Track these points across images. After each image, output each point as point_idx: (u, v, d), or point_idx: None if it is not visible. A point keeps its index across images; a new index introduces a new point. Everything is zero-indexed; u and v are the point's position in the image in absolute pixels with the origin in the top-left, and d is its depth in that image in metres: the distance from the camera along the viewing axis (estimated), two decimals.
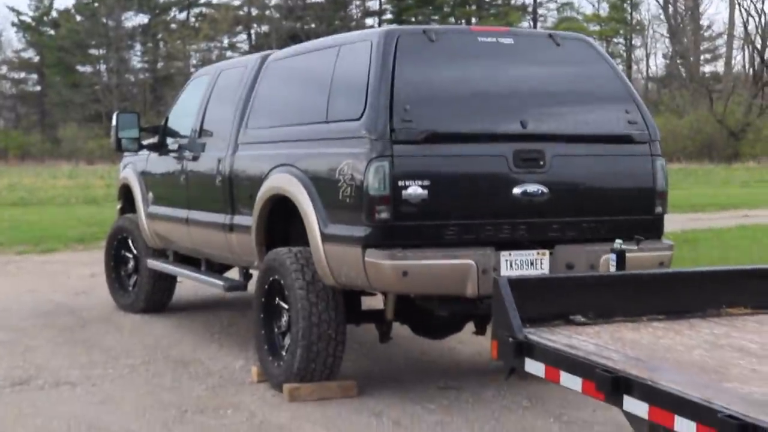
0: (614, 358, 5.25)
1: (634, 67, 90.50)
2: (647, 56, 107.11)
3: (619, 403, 4.99)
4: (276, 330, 9.00)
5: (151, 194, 12.25)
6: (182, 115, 11.79)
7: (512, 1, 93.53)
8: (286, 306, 8.76)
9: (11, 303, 13.58)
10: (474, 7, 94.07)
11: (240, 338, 10.99)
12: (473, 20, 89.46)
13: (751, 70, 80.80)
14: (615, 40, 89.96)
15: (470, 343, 10.48)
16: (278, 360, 8.82)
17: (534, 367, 5.68)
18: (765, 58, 77.25)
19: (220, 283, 10.64)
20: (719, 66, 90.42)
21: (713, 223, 24.60)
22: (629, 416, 5.66)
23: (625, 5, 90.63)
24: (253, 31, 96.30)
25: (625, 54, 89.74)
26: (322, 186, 8.40)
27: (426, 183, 7.90)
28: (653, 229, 8.72)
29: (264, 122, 9.78)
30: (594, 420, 7.86)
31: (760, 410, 4.30)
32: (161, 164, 11.95)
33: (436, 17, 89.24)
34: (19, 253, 19.61)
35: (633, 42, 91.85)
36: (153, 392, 8.84)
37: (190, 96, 11.89)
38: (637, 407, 4.86)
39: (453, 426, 7.79)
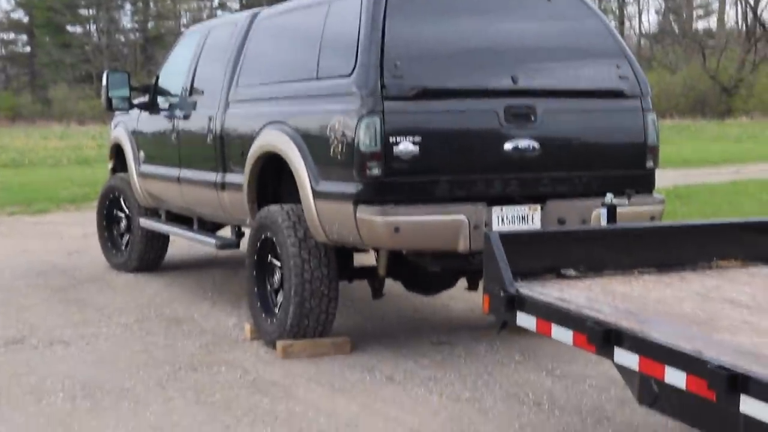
0: (605, 311, 5.29)
1: (627, 23, 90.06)
2: (639, 12, 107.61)
3: (610, 356, 5.03)
4: (269, 287, 9.02)
5: (142, 153, 12.23)
6: (173, 74, 11.76)
7: None
8: (278, 263, 8.77)
9: (4, 263, 13.60)
10: None
11: (233, 296, 11.01)
12: None
13: (743, 25, 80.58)
14: None
15: (462, 299, 10.53)
16: (271, 317, 8.85)
17: (525, 320, 5.71)
18: (758, 13, 77.07)
19: (213, 241, 10.64)
20: (712, 22, 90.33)
21: (706, 179, 24.67)
22: (620, 368, 5.72)
23: None
24: None
25: (617, 10, 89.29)
26: (313, 143, 8.40)
27: (417, 139, 7.89)
28: (644, 184, 8.74)
29: (254, 80, 9.76)
30: (586, 374, 7.89)
31: (750, 360, 4.33)
32: (152, 123, 11.93)
33: None
34: (11, 214, 19.63)
35: None
36: (146, 350, 8.86)
37: (181, 54, 11.86)
38: (628, 359, 4.89)
39: (446, 381, 7.83)
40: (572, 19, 8.85)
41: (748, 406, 4.15)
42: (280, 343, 8.58)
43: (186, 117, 10.93)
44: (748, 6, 78.49)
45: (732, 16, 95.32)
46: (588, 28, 8.85)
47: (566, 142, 8.51)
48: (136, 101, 12.07)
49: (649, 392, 5.69)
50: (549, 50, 8.66)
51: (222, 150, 9.99)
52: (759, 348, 4.61)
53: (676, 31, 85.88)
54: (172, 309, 10.59)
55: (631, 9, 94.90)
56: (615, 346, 4.94)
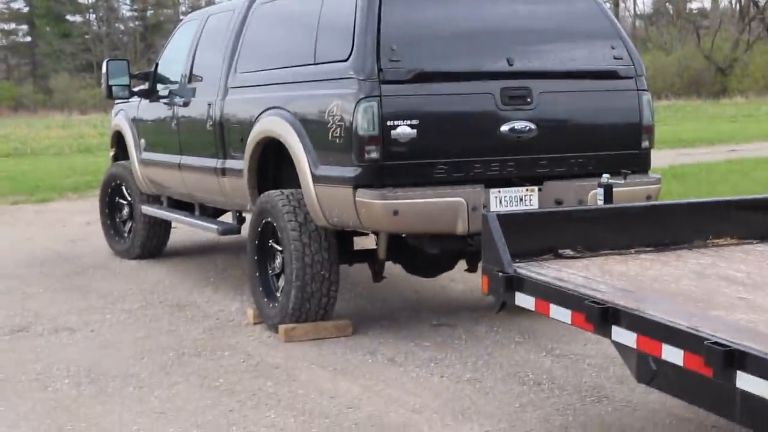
0: (602, 290, 5.32)
1: (622, 4, 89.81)
2: None
3: (608, 334, 5.05)
4: (270, 272, 9.03)
5: (143, 141, 12.23)
6: (172, 61, 11.75)
7: None
8: (279, 248, 8.78)
9: (8, 252, 13.62)
10: None
11: (235, 281, 11.02)
12: None
13: (737, 5, 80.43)
14: None
15: (462, 280, 10.54)
16: (273, 301, 8.87)
17: (524, 300, 5.74)
18: None
19: (214, 227, 10.65)
20: (706, 2, 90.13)
21: (702, 158, 24.66)
22: (618, 346, 5.73)
23: None
24: None
25: None
26: (312, 128, 8.40)
27: (414, 122, 7.90)
28: (640, 164, 8.75)
29: (253, 66, 9.75)
30: (585, 353, 7.91)
31: (746, 336, 4.35)
32: (152, 110, 11.92)
33: None
34: (15, 203, 19.64)
35: None
36: (150, 336, 8.88)
37: (180, 41, 11.84)
38: (626, 337, 4.92)
39: (446, 362, 7.85)
40: (567, 1, 8.85)
41: (745, 381, 4.18)
42: (282, 327, 8.59)
43: (185, 104, 10.93)
44: None
45: None
46: (582, 10, 8.84)
47: (562, 123, 8.51)
48: (136, 89, 12.06)
49: (647, 370, 5.71)
50: (543, 32, 8.67)
51: (222, 136, 9.99)
52: (755, 324, 4.63)
53: (671, 11, 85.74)
54: (175, 295, 10.61)
55: None
56: (612, 325, 4.97)
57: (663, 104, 56.91)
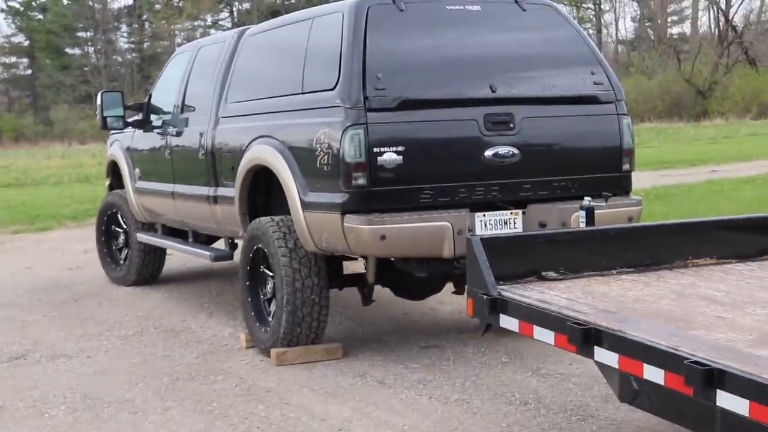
0: (585, 311, 5.29)
1: (604, 31, 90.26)
2: (616, 20, 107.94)
3: (590, 354, 5.02)
4: (262, 297, 9.00)
5: (137, 170, 12.21)
6: (165, 92, 11.74)
7: None
8: (270, 273, 8.75)
9: (8, 280, 13.57)
10: None
11: (228, 306, 10.98)
12: None
13: (716, 30, 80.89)
14: (585, 5, 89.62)
15: (450, 302, 10.53)
16: (265, 326, 8.83)
17: (508, 322, 5.71)
18: (729, 18, 77.34)
19: (207, 253, 10.63)
20: (686, 27, 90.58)
21: (683, 179, 24.72)
22: (601, 366, 5.70)
23: None
24: (235, 9, 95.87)
25: (594, 18, 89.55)
26: (301, 155, 8.38)
27: (400, 149, 7.89)
28: (621, 186, 8.74)
29: (243, 96, 9.74)
30: (570, 373, 7.89)
31: (725, 355, 4.32)
32: (146, 140, 11.90)
33: None
34: (15, 233, 19.61)
35: (602, 6, 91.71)
36: (146, 362, 8.83)
37: (172, 73, 11.84)
38: (608, 357, 4.89)
39: (435, 383, 7.82)
40: (547, 29, 8.86)
41: (724, 400, 4.15)
42: (274, 351, 8.56)
43: (178, 134, 10.91)
44: (719, 11, 78.80)
45: (705, 21, 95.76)
46: (562, 37, 8.86)
47: (544, 147, 8.51)
48: (130, 120, 12.05)
49: (630, 389, 5.69)
50: (525, 59, 8.67)
51: (213, 165, 9.97)
52: (733, 343, 4.61)
53: (652, 37, 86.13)
54: (170, 321, 10.56)
55: (608, 17, 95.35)
56: (595, 346, 4.94)
57: (645, 127, 57.26)
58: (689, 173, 27.24)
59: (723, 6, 78.15)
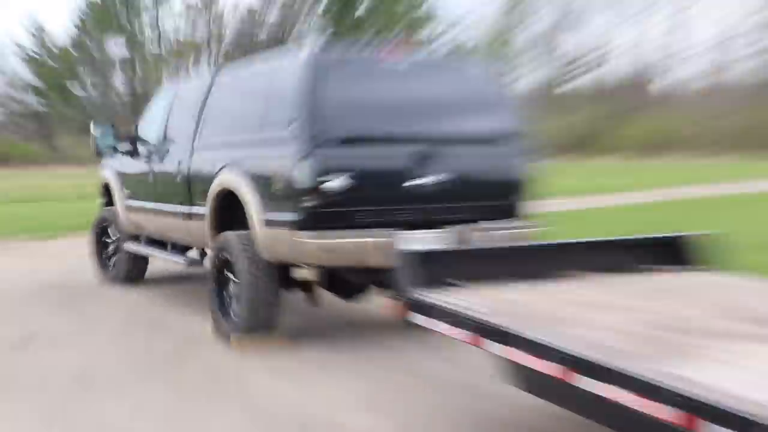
0: (483, 312, 5.37)
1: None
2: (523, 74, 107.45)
3: (486, 347, 5.14)
4: (226, 296, 9.03)
5: (126, 190, 12.20)
6: (150, 124, 11.74)
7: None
8: (233, 277, 8.81)
9: (17, 280, 13.44)
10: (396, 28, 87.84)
11: (200, 304, 10.95)
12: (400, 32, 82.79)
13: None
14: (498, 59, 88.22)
15: (379, 303, 10.58)
16: (228, 319, 8.88)
17: (423, 320, 5.79)
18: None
19: (182, 260, 10.66)
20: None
21: (579, 206, 24.88)
22: (493, 355, 5.81)
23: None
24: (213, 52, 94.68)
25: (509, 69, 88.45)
26: (260, 181, 8.46)
27: (342, 177, 8.01)
28: (521, 212, 8.90)
29: (214, 130, 9.79)
30: (470, 358, 7.87)
31: (591, 350, 4.46)
32: (134, 166, 11.90)
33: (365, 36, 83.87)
34: (23, 240, 19.41)
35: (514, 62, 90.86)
36: (130, 350, 8.81)
37: (157, 108, 11.84)
38: (500, 350, 5.02)
39: (367, 368, 7.92)
40: (464, 80, 8.99)
41: (583, 383, 4.34)
42: (235, 340, 8.64)
43: (160, 161, 10.93)
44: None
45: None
46: (476, 87, 8.99)
47: (460, 179, 8.62)
48: (120, 148, 12.04)
49: (514, 373, 5.80)
50: (446, 105, 8.80)
51: (189, 188, 10.01)
52: (591, 338, 4.77)
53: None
54: (151, 315, 10.54)
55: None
56: (489, 340, 5.09)
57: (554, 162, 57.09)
58: (585, 201, 27.50)
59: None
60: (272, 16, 67.35)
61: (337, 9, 64.84)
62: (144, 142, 11.66)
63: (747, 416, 3.57)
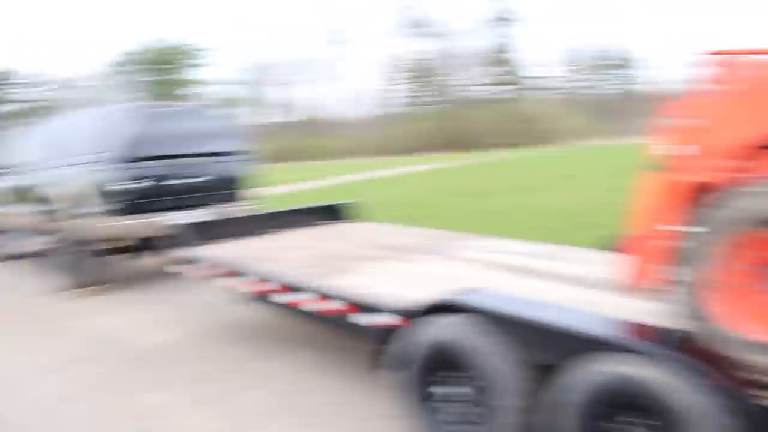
0: (228, 257, 5.49)
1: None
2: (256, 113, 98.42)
3: (226, 282, 5.19)
4: (74, 261, 8.62)
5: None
6: (13, 153, 10.78)
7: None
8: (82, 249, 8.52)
9: None
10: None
11: (46, 271, 10.21)
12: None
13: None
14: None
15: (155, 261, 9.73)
16: (75, 278, 8.59)
17: (185, 268, 5.83)
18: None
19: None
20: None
21: (284, 191, 22.94)
22: (232, 287, 5.36)
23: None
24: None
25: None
26: (86, 188, 8.29)
27: (138, 181, 8.03)
28: (246, 196, 9.08)
29: (56, 153, 9.19)
30: (216, 292, 7.54)
31: (289, 274, 4.57)
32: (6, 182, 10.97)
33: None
34: None
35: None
36: (5, 308, 8.20)
37: (16, 141, 10.85)
38: (236, 282, 5.06)
39: (141, 303, 7.73)
40: (209, 119, 9.05)
41: (286, 296, 4.45)
42: (77, 291, 8.48)
43: (23, 178, 10.23)
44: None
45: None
46: (219, 122, 9.11)
47: (210, 178, 8.71)
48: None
49: (245, 294, 5.26)
50: (199, 134, 8.82)
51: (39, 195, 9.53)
52: (288, 267, 4.84)
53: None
54: (26, 284, 9.58)
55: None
56: (232, 278, 5.07)
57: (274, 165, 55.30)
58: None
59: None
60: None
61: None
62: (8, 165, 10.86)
63: (379, 305, 3.89)
